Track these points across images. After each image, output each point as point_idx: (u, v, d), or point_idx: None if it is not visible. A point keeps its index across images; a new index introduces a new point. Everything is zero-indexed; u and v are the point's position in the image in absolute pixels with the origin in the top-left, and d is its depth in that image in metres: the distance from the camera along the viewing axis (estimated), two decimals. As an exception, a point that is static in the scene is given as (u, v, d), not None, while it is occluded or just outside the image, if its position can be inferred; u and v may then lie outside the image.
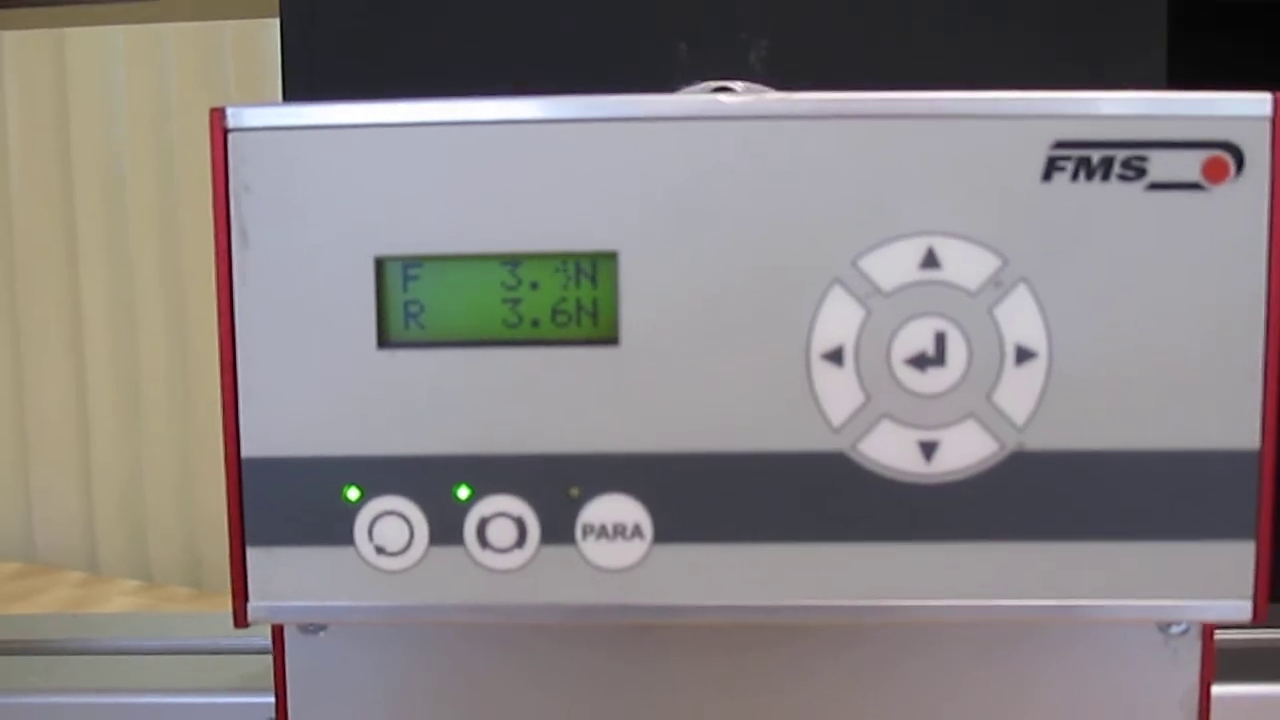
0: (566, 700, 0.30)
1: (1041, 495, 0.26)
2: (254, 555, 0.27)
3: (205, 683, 0.46)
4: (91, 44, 1.51)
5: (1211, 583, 0.27)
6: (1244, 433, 0.26)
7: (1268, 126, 0.26)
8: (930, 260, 0.26)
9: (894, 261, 0.26)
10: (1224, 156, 0.26)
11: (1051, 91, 0.26)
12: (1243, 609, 0.27)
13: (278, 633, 0.31)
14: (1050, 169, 0.26)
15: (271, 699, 0.31)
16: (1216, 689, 0.29)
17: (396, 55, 0.35)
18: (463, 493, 0.27)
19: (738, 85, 0.35)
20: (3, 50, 1.53)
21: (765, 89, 0.35)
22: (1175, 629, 0.29)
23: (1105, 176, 0.26)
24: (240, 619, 0.28)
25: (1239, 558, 0.27)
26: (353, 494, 0.27)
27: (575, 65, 0.35)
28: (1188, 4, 0.37)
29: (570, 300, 0.26)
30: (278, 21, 0.35)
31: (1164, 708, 0.29)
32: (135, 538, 1.61)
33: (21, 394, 1.64)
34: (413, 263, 0.27)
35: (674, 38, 0.35)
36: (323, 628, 0.30)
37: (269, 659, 0.31)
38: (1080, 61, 0.35)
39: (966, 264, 0.26)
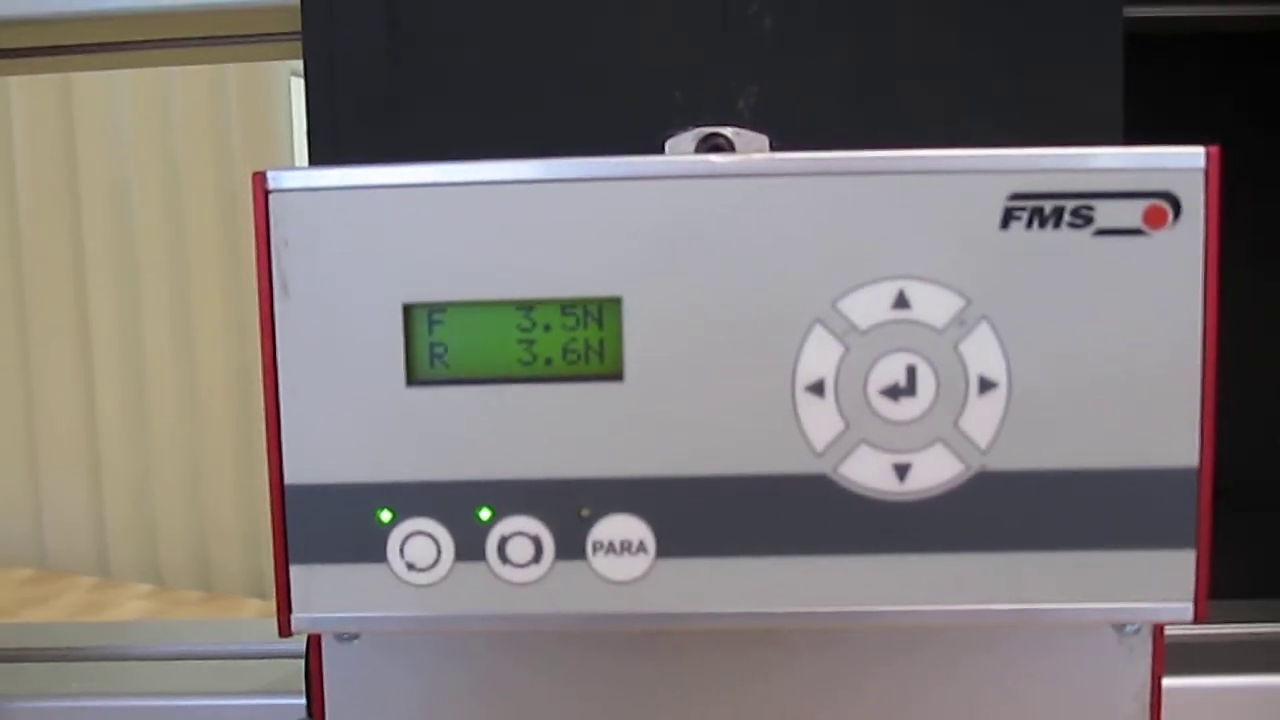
0: (579, 700, 0.33)
1: (1004, 510, 0.29)
2: (296, 572, 0.30)
3: (232, 686, 0.49)
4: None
5: (1157, 587, 0.30)
6: (1184, 452, 0.29)
7: (1202, 177, 0.29)
8: (901, 301, 0.29)
9: (869, 303, 0.29)
10: (1163, 205, 0.29)
11: (1007, 149, 0.29)
12: (1185, 610, 0.30)
13: (314, 641, 0.34)
14: (1007, 218, 0.29)
15: (299, 700, 0.34)
16: (1167, 681, 0.32)
17: (410, 114, 0.38)
18: (484, 514, 0.30)
19: (728, 130, 0.38)
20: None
21: (754, 134, 0.38)
22: (1129, 628, 0.32)
23: (1057, 224, 0.29)
24: (284, 629, 0.31)
25: (1181, 564, 0.30)
26: (385, 516, 0.30)
27: (578, 114, 0.38)
28: (1143, 39, 0.40)
29: (579, 340, 0.29)
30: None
31: (1120, 700, 0.32)
32: (145, 542, 1.64)
33: (31, 403, 1.67)
34: (437, 309, 0.30)
35: (669, 86, 0.38)
36: (356, 636, 0.33)
37: (292, 663, 0.34)
38: (1044, 100, 0.38)
39: (934, 304, 0.29)
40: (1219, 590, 0.51)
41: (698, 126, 0.38)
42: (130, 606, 1.50)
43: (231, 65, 1.44)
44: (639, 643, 0.33)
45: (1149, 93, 0.42)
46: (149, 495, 1.63)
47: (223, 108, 1.54)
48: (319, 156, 0.38)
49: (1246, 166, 0.53)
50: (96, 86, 1.57)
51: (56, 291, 1.64)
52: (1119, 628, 0.32)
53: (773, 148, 0.37)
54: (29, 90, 1.58)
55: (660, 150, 0.37)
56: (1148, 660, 0.32)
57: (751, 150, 0.36)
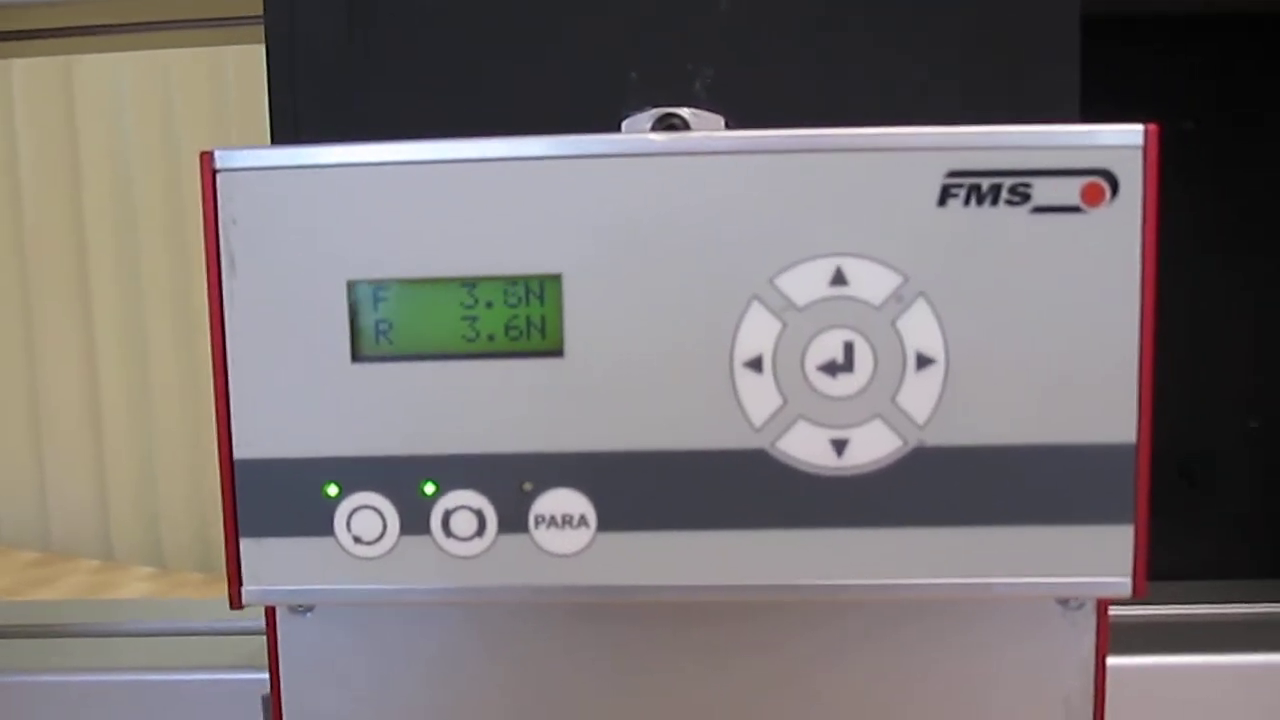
0: (526, 669, 0.34)
1: (942, 486, 0.30)
2: (246, 545, 0.31)
3: (211, 661, 0.49)
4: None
5: (1095, 562, 0.30)
6: (1122, 428, 0.29)
7: (1140, 155, 0.29)
8: (839, 278, 0.29)
9: (807, 280, 0.29)
10: (1100, 182, 0.29)
11: (945, 127, 0.29)
12: (1123, 585, 0.30)
13: (270, 614, 0.34)
14: (945, 195, 0.29)
15: (265, 675, 0.35)
16: (1112, 660, 0.32)
17: (369, 94, 0.38)
18: (429, 488, 0.30)
19: (684, 111, 0.38)
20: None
21: (711, 114, 0.38)
22: (1073, 604, 0.33)
23: (994, 201, 0.29)
24: (235, 602, 0.31)
25: (1120, 539, 0.30)
26: (332, 490, 0.30)
27: (537, 94, 0.38)
28: (1100, 19, 0.40)
29: (521, 317, 0.30)
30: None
31: (1064, 676, 0.33)
32: (148, 525, 1.66)
33: (35, 388, 1.68)
34: (382, 286, 0.30)
35: (626, 67, 0.38)
36: (310, 609, 0.33)
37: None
38: (999, 78, 0.38)
39: (871, 281, 0.29)
40: (1181, 571, 0.51)
41: (655, 107, 0.38)
42: (133, 588, 1.51)
43: (230, 48, 1.44)
44: (591, 616, 0.33)
45: (1109, 74, 0.42)
46: (152, 480, 1.65)
47: (222, 92, 1.55)
48: (281, 136, 0.38)
49: (1209, 146, 0.53)
50: (99, 69, 1.58)
51: (59, 277, 1.65)
52: (1064, 602, 0.33)
53: (729, 128, 0.37)
54: (30, 73, 1.59)
55: (618, 130, 0.37)
56: (1092, 637, 0.32)
57: (707, 130, 0.36)
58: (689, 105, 0.39)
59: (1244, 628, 0.44)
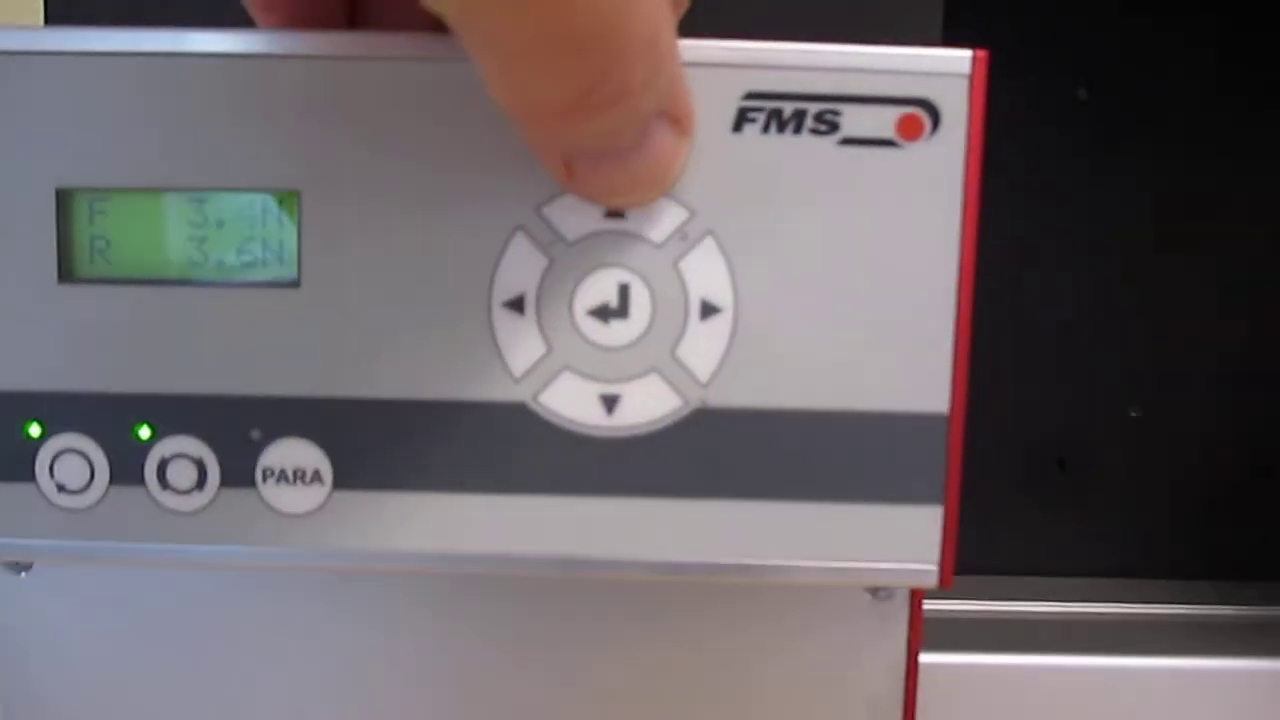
0: (277, 637, 0.30)
1: (726, 453, 0.26)
2: (-61, 490, 0.27)
3: None
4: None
5: (898, 546, 0.26)
6: (933, 395, 0.26)
7: (966, 84, 0.25)
8: (616, 210, 0.25)
9: (579, 210, 0.25)
10: (919, 114, 0.25)
11: (743, 41, 0.25)
12: (929, 574, 0.27)
13: (-5, 570, 0.30)
14: (740, 120, 0.25)
15: None
16: (924, 657, 0.29)
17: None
18: (144, 432, 0.26)
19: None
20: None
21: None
22: (882, 593, 0.29)
23: (797, 130, 0.25)
24: (-73, 554, 0.27)
25: (926, 521, 0.26)
26: (34, 430, 0.26)
27: None
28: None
29: (255, 241, 0.26)
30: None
31: (872, 671, 0.29)
32: None
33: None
34: (100, 196, 0.26)
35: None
36: (27, 567, 0.30)
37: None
38: (860, 18, 0.35)
39: (652, 215, 0.25)
40: (1056, 567, 0.48)
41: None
42: None
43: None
44: (342, 580, 0.30)
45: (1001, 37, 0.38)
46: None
47: None
48: (54, 17, 0.34)
49: (1101, 117, 0.50)
50: None
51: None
52: (873, 592, 0.29)
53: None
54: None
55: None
56: (903, 630, 0.29)
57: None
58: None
59: (1101, 628, 0.41)
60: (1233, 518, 0.49)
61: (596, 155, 0.23)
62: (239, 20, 0.26)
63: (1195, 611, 0.44)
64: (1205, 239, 0.50)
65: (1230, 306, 0.50)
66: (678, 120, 0.24)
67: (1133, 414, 0.49)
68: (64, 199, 0.26)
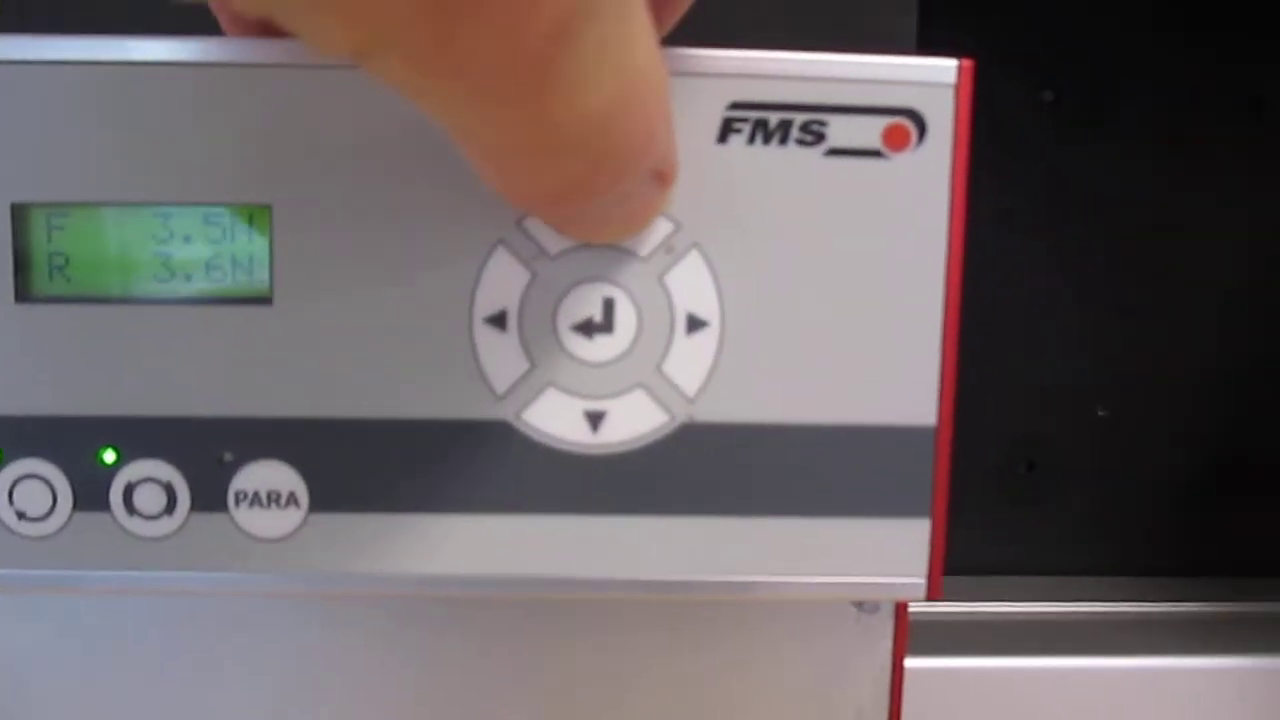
0: (252, 663, 0.29)
1: (713, 469, 0.26)
2: (-108, 519, 0.26)
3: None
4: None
5: (886, 560, 0.26)
6: (919, 409, 0.26)
7: (951, 94, 0.25)
8: (598, 227, 0.25)
9: (561, 223, 0.25)
10: (905, 124, 0.25)
11: (729, 50, 0.25)
12: (917, 587, 0.26)
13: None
14: (726, 130, 0.25)
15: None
16: (908, 662, 0.29)
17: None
18: (109, 456, 0.25)
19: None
20: None
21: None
22: (868, 606, 0.29)
23: (783, 140, 0.25)
24: (-120, 585, 0.26)
25: (914, 535, 0.26)
26: (-9, 456, 0.25)
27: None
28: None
29: (224, 255, 0.25)
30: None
31: (858, 683, 0.29)
32: None
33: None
34: (59, 211, 0.25)
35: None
36: (-14, 595, 0.28)
37: None
38: (834, 23, 0.34)
39: (637, 228, 0.25)
40: (1025, 566, 0.48)
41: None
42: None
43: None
44: (315, 605, 0.29)
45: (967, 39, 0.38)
46: None
47: None
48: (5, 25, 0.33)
49: (1066, 119, 0.50)
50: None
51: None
52: (858, 605, 0.29)
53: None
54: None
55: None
56: (889, 639, 0.29)
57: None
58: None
59: (1071, 627, 0.42)
60: (1201, 515, 0.50)
61: (580, 216, 0.23)
62: (206, 28, 0.25)
63: (1165, 609, 0.45)
64: (1172, 239, 0.50)
65: (1198, 306, 0.51)
66: (662, 175, 0.23)
67: (1100, 413, 0.49)
68: (20, 214, 0.25)
